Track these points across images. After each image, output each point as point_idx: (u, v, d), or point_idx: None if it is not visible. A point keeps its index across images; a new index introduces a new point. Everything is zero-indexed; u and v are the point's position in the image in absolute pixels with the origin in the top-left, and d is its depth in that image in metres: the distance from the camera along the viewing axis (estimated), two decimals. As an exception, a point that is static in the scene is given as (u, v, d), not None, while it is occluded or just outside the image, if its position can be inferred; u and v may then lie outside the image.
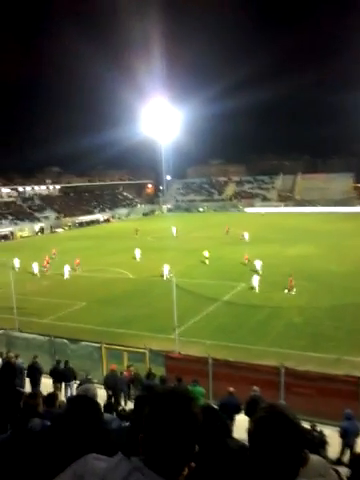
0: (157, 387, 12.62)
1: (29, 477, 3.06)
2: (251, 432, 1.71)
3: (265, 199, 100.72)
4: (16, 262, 37.93)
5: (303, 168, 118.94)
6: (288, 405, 1.91)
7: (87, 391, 3.78)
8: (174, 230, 58.24)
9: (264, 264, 32.93)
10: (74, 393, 14.40)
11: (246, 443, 4.00)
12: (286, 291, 27.99)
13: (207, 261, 37.09)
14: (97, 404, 3.54)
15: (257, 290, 28.44)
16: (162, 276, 31.89)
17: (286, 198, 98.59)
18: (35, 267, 36.28)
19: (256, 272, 31.10)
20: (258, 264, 32.46)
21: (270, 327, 22.31)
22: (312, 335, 20.75)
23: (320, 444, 10.72)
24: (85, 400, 3.38)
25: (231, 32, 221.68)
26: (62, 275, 34.71)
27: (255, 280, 28.84)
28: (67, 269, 35.02)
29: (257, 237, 50.43)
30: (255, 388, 12.55)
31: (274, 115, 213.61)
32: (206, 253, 37.66)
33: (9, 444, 3.38)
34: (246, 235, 50.46)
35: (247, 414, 11.52)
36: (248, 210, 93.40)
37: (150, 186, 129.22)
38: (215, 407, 6.50)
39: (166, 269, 32.15)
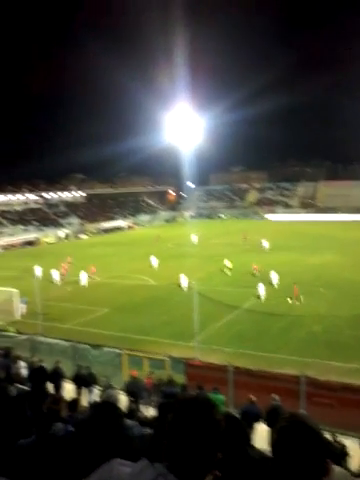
0: (179, 394, 12.72)
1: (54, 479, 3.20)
2: (274, 441, 1.73)
3: (287, 206, 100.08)
4: (38, 270, 37.47)
5: (325, 175, 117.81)
6: (309, 415, 1.92)
7: (110, 397, 3.94)
8: (195, 238, 57.56)
9: (285, 272, 32.73)
10: (95, 399, 14.61)
11: (266, 453, 4.11)
12: (289, 301, 27.78)
13: (229, 272, 35.70)
14: (119, 410, 3.67)
15: (263, 299, 28.27)
16: (179, 286, 31.49)
17: (308, 205, 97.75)
18: (55, 274, 36.28)
19: (270, 284, 30.73)
20: (274, 277, 31.23)
21: (291, 335, 22.19)
22: (332, 344, 20.56)
23: (341, 455, 10.63)
24: (107, 406, 3.52)
25: (252, 39, 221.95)
26: (80, 282, 34.97)
27: (261, 288, 28.59)
28: (84, 276, 35.14)
29: (278, 245, 50.11)
30: (275, 397, 12.52)
31: (295, 121, 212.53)
32: (227, 263, 36.28)
33: (33, 448, 3.53)
34: (265, 243, 49.04)
35: (267, 423, 11.52)
36: (269, 217, 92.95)
37: (172, 193, 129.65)
38: (236, 415, 6.58)
39: (184, 280, 31.37)
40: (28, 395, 4.68)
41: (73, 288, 34.33)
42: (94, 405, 4.00)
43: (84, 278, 35.18)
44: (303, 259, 41.29)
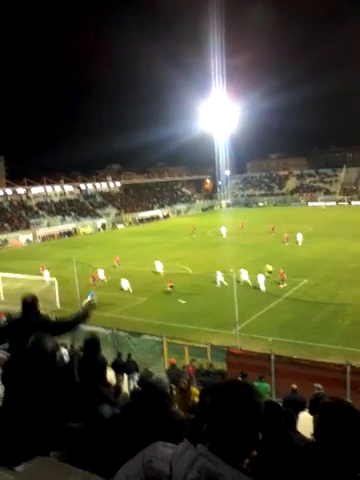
0: (218, 380, 12.56)
1: (102, 460, 3.16)
2: (318, 423, 1.80)
3: (328, 193, 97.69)
4: (46, 275, 32.76)
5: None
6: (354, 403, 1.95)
7: (160, 382, 3.82)
8: (224, 230, 54.32)
9: (328, 261, 31.67)
10: (136, 385, 14.63)
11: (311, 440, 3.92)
12: (281, 286, 28.13)
13: (270, 275, 30.31)
14: (167, 395, 3.56)
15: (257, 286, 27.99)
16: (215, 282, 29.75)
17: (350, 191, 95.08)
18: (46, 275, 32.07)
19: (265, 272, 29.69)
20: (261, 280, 28.46)
21: (335, 324, 21.57)
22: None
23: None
24: (156, 390, 3.43)
25: (289, 25, 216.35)
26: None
27: (261, 279, 28.07)
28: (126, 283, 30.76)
29: (319, 232, 49.01)
30: (318, 386, 12.15)
31: (335, 106, 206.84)
32: (269, 266, 31.17)
33: (84, 431, 3.50)
34: (300, 237, 43.96)
35: (311, 412, 11.19)
36: (311, 204, 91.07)
37: (208, 182, 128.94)
38: (279, 403, 6.38)
39: (219, 276, 29.77)
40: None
41: (113, 276, 34.51)
42: (142, 388, 3.95)
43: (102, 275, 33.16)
44: (347, 247, 40.09)
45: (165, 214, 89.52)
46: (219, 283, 29.45)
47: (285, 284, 28.42)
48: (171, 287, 29.02)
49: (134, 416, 3.36)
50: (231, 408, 1.56)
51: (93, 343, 5.49)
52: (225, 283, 28.92)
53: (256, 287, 27.94)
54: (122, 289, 30.07)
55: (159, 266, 35.20)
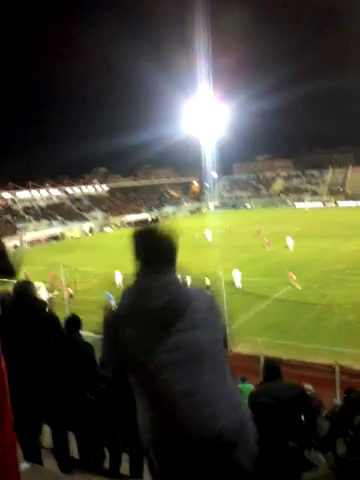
0: None
1: None
2: None
3: (315, 194, 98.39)
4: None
5: (354, 160, 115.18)
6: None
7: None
8: (208, 234, 53.35)
9: (316, 262, 31.76)
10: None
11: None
12: (297, 286, 27.93)
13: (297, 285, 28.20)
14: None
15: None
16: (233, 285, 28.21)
17: (337, 192, 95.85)
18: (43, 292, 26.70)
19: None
20: (237, 276, 28.72)
21: (323, 324, 21.71)
22: (368, 333, 19.96)
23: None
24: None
25: (276, 27, 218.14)
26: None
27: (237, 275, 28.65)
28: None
29: (306, 234, 49.12)
30: (309, 387, 12.15)
31: (321, 107, 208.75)
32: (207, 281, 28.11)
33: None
34: (290, 242, 42.00)
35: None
36: (298, 205, 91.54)
37: (196, 184, 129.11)
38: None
39: (237, 276, 28.95)
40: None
41: (101, 280, 34.24)
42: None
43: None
44: (335, 247, 40.22)
45: (152, 218, 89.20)
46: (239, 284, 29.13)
47: (299, 287, 27.90)
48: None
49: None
50: None
51: (74, 321, 5.53)
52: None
53: (244, 290, 28.02)
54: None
55: (118, 277, 29.14)
